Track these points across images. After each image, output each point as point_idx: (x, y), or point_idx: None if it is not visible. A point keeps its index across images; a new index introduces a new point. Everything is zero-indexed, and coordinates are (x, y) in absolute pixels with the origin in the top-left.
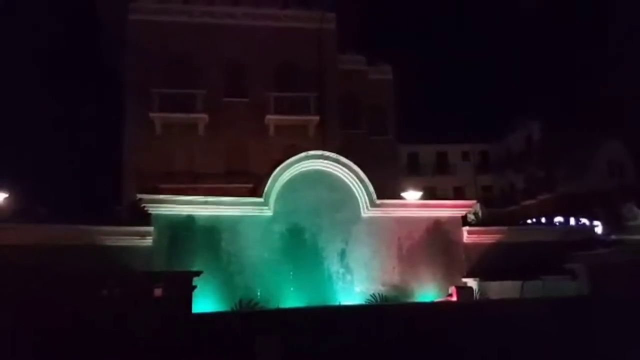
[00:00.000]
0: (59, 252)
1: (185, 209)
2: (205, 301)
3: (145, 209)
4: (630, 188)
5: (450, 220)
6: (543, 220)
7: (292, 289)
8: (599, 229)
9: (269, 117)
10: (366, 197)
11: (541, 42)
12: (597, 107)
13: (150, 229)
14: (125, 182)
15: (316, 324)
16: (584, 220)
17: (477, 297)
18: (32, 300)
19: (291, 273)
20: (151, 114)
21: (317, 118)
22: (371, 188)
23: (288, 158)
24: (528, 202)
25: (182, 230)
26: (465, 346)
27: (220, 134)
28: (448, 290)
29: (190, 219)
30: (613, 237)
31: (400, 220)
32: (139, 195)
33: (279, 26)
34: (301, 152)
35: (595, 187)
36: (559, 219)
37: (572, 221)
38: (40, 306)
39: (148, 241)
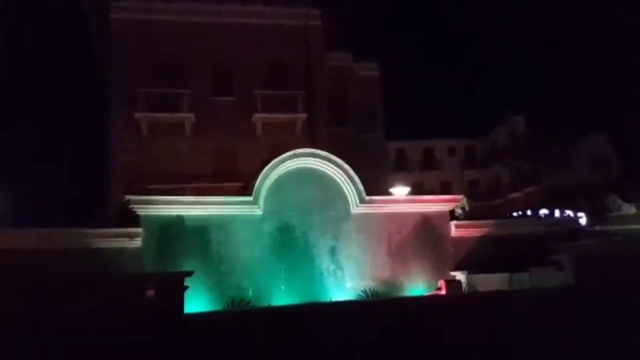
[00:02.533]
0: (47, 256)
1: (174, 210)
2: (197, 301)
3: (134, 210)
4: (614, 180)
5: (438, 214)
6: (529, 212)
7: (283, 287)
8: (583, 220)
9: (256, 115)
10: (355, 194)
11: (525, 37)
12: (581, 100)
13: (139, 230)
14: (112, 184)
15: (310, 320)
16: (569, 212)
17: (466, 290)
18: (22, 303)
19: (282, 271)
20: (136, 114)
21: (304, 116)
22: (360, 185)
23: (276, 156)
24: (514, 195)
25: (171, 231)
26: (456, 337)
27: (207, 133)
28: (437, 283)
29: (179, 219)
30: (597, 228)
31: (389, 216)
32: (127, 197)
33: (265, 23)
34: (289, 150)
35: (580, 180)
36: (544, 211)
37: (557, 213)
38: (29, 310)
39: (137, 242)
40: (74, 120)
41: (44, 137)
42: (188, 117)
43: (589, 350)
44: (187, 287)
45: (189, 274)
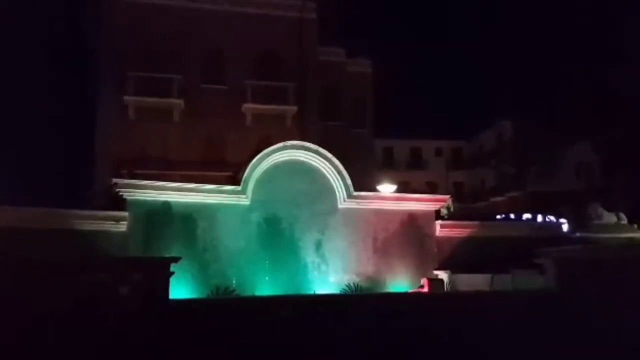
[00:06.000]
0: (31, 236)
1: (161, 195)
2: (180, 288)
3: (121, 194)
4: (597, 188)
5: (424, 214)
6: (512, 216)
7: (267, 277)
8: (565, 226)
9: (246, 105)
10: (343, 188)
11: (516, 43)
12: (567, 108)
13: (125, 214)
14: (98, 167)
15: (294, 312)
16: (552, 218)
17: (448, 289)
18: (6, 283)
19: (267, 262)
20: (125, 98)
21: (295, 108)
22: (349, 180)
23: (266, 147)
24: (497, 199)
25: (158, 217)
26: (435, 333)
27: (196, 120)
28: (420, 281)
29: (166, 205)
30: (578, 234)
31: (376, 213)
32: (115, 180)
33: (259, 13)
34: (278, 142)
35: (563, 187)
36: (527, 216)
37: (540, 218)
38: (12, 290)
39: (123, 227)
40: (62, 102)
41: (30, 118)
42: (177, 103)
43: (566, 351)
44: (173, 273)
45: (176, 259)
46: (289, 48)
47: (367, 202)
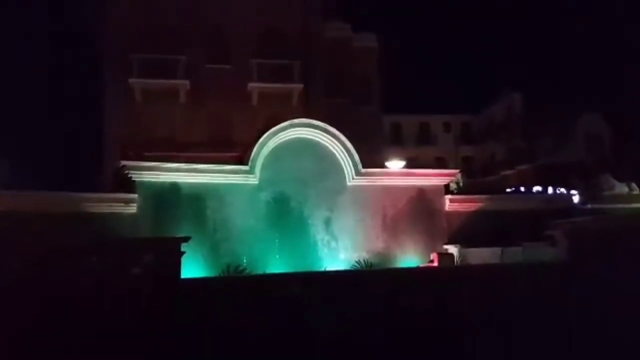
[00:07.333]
0: (43, 219)
1: (170, 176)
2: (192, 268)
3: (130, 176)
4: (607, 159)
5: (433, 189)
6: (522, 189)
7: (277, 256)
8: (576, 198)
9: (251, 84)
10: (352, 166)
11: (524, 14)
12: (578, 78)
13: (135, 196)
14: (106, 151)
15: (305, 288)
16: (562, 190)
17: (458, 263)
18: (19, 267)
19: (277, 240)
20: (130, 80)
21: (301, 86)
22: (357, 157)
23: (272, 126)
24: (507, 173)
25: (167, 198)
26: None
27: (202, 101)
28: (430, 256)
29: (175, 186)
30: (590, 206)
31: (385, 189)
32: (123, 162)
33: None
34: (285, 120)
35: (574, 158)
36: (537, 189)
37: (550, 191)
38: (25, 275)
39: (132, 208)
40: (68, 86)
41: (37, 104)
42: (183, 83)
43: (578, 322)
44: (184, 253)
45: (186, 239)
46: (294, 24)
47: (376, 179)
